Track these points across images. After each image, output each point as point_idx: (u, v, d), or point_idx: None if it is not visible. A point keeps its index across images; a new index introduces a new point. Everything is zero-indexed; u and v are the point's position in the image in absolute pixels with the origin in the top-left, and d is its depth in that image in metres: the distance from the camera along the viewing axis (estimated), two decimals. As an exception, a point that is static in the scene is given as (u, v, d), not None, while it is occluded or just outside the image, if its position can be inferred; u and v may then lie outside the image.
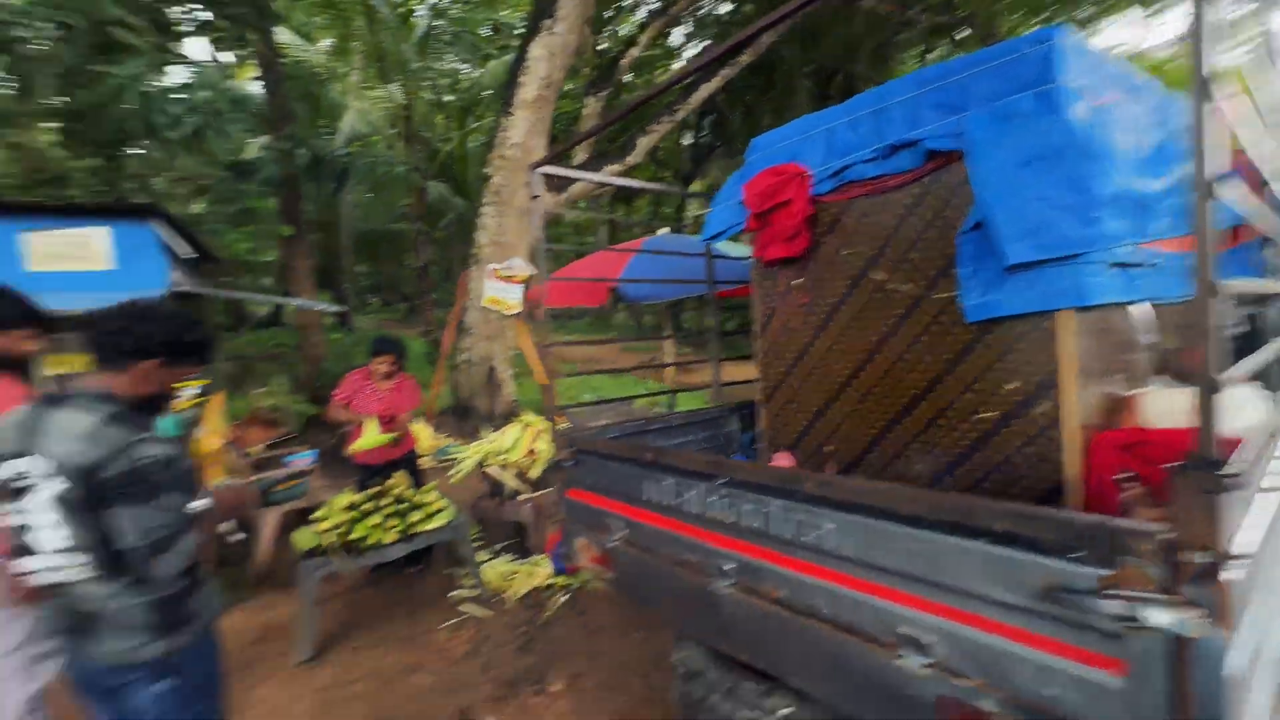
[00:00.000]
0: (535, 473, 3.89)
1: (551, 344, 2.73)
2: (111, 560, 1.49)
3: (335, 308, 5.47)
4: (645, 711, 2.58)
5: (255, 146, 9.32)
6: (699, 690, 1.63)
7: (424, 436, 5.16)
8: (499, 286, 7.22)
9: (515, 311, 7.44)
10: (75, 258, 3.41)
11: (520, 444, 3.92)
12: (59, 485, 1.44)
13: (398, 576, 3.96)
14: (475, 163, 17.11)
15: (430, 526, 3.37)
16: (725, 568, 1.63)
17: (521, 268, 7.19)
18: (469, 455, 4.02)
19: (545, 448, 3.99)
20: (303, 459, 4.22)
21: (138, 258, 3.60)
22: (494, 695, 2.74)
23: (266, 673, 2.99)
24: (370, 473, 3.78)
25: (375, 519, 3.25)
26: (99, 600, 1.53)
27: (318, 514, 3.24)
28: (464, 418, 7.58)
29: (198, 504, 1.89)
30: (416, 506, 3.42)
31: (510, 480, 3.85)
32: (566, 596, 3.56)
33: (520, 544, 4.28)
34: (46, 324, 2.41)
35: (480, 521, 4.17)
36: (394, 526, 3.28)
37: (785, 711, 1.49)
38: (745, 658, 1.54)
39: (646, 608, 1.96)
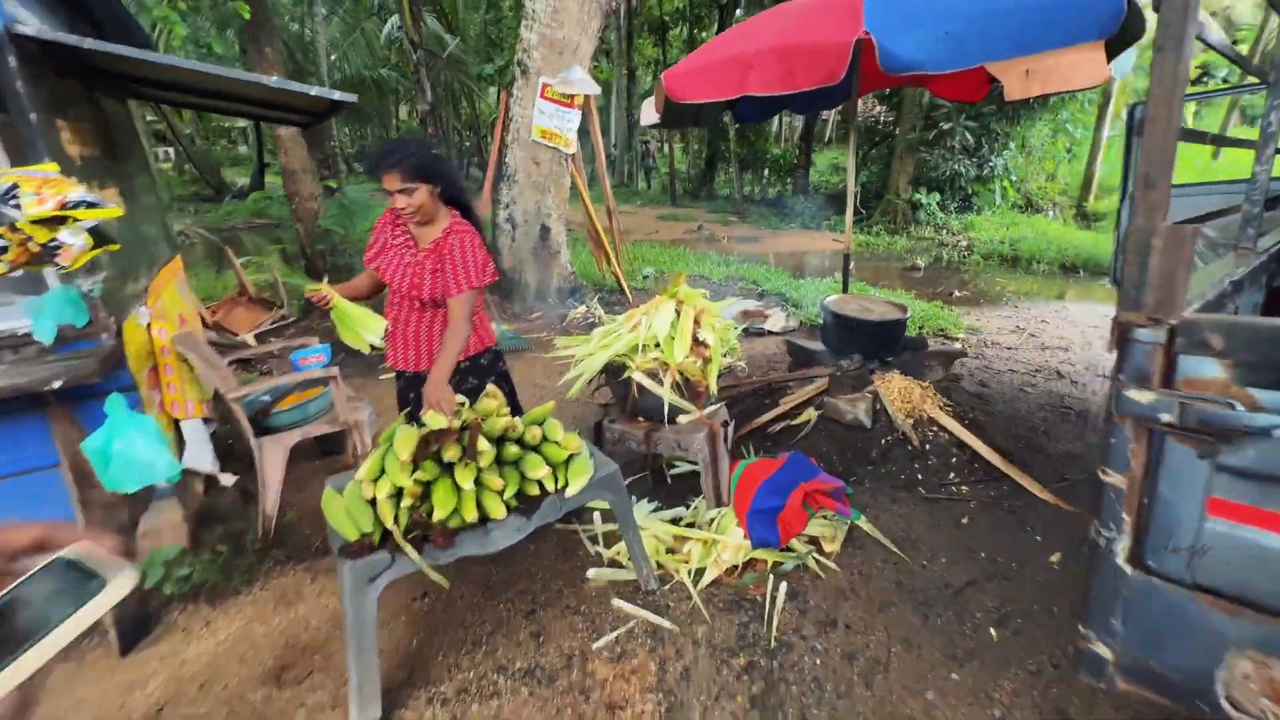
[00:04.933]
0: (710, 381, 2.32)
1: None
2: None
3: (341, 96, 3.05)
4: None
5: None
6: None
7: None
8: (552, 111, 5.21)
9: (573, 150, 5.49)
10: None
11: (681, 333, 2.31)
12: None
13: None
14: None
15: (574, 488, 1.84)
16: None
17: (582, 81, 5.13)
18: (592, 350, 2.42)
19: (721, 342, 2.39)
20: (314, 356, 2.62)
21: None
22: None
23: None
24: (410, 383, 2.21)
25: (466, 473, 1.72)
26: None
27: (363, 470, 1.70)
28: (509, 295, 5.89)
29: None
30: (533, 448, 1.89)
31: (668, 394, 2.28)
32: (783, 588, 2.15)
33: (671, 489, 2.82)
34: None
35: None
36: (502, 488, 1.76)
37: None
38: None
39: None
